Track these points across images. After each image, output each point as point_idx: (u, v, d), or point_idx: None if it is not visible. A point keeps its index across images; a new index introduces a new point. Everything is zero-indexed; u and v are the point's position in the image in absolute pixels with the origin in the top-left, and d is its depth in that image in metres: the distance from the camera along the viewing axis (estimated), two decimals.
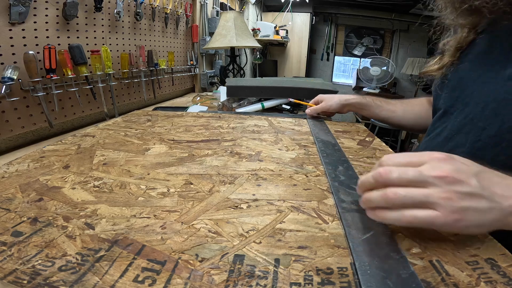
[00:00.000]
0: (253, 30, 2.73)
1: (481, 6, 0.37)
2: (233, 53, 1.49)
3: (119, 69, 0.99)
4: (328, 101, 0.72)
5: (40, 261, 0.22)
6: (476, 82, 0.41)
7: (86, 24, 0.83)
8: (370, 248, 0.24)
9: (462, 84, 0.43)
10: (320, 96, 0.75)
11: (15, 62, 0.65)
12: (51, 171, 0.39)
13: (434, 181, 0.23)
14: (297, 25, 3.33)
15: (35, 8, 0.68)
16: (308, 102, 0.78)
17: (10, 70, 0.62)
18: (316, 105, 0.74)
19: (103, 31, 0.90)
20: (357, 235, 0.25)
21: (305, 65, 3.44)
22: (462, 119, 0.42)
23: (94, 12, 0.85)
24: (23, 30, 0.66)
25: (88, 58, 0.83)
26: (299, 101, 0.83)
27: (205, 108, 1.03)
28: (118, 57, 0.98)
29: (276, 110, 0.96)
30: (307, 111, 0.75)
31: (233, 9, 2.16)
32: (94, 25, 0.86)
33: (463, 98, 0.42)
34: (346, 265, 0.23)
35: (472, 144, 0.39)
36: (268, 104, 0.92)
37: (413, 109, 0.65)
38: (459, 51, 0.46)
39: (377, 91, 3.30)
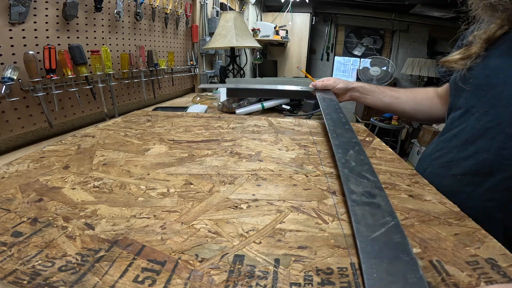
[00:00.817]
0: (253, 30, 2.73)
1: (496, 3, 0.36)
2: (233, 53, 1.49)
3: (119, 69, 0.99)
4: (336, 79, 0.71)
5: (40, 262, 0.22)
6: (507, 82, 0.38)
7: (86, 24, 0.83)
8: (379, 248, 0.22)
9: (489, 83, 0.40)
10: (327, 78, 0.74)
11: (15, 62, 0.65)
12: (51, 171, 0.39)
13: None
14: (297, 25, 3.33)
15: (35, 8, 0.68)
16: (313, 79, 0.77)
17: (10, 70, 0.62)
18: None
19: (103, 31, 0.90)
20: (367, 233, 0.24)
21: (305, 65, 3.44)
22: (487, 122, 0.39)
23: (94, 12, 0.85)
24: (23, 30, 0.66)
25: (88, 58, 0.83)
26: (307, 74, 0.82)
27: (205, 107, 1.03)
28: (118, 57, 0.98)
29: (276, 110, 0.96)
30: (313, 83, 0.73)
31: (233, 9, 2.16)
32: (94, 25, 0.87)
33: (489, 99, 0.40)
34: (346, 265, 0.23)
35: (497, 151, 0.37)
36: (268, 104, 0.92)
37: (416, 96, 0.64)
38: (488, 43, 0.42)
39: None
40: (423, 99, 0.62)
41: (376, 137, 0.59)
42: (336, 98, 0.66)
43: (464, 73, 0.44)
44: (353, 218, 0.26)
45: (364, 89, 0.68)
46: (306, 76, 0.82)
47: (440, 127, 2.71)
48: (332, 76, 3.84)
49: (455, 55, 0.47)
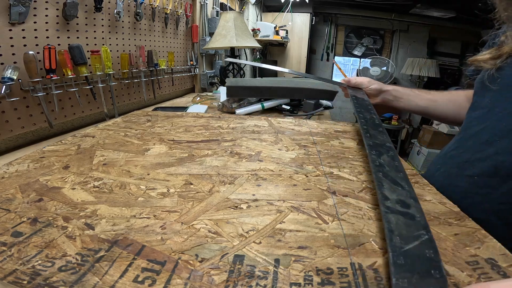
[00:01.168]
0: (253, 30, 2.73)
1: None
2: (233, 53, 1.49)
3: (119, 69, 0.99)
4: (370, 79, 0.67)
5: (40, 262, 0.22)
6: None
7: (86, 24, 0.83)
8: (411, 261, 0.21)
9: None
10: (359, 77, 0.71)
11: (15, 62, 0.65)
12: (51, 171, 0.39)
13: None
14: (297, 25, 3.33)
15: (35, 8, 0.68)
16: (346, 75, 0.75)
17: (10, 70, 0.62)
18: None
19: (103, 31, 0.90)
20: (400, 244, 0.23)
21: (305, 66, 3.43)
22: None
23: (94, 12, 0.85)
24: (23, 30, 0.66)
25: (88, 58, 0.83)
26: (342, 71, 0.78)
27: (205, 107, 1.03)
28: (118, 57, 0.98)
29: (276, 110, 0.96)
30: (346, 79, 0.70)
31: (233, 9, 2.16)
32: (94, 25, 0.87)
33: None
34: (346, 265, 0.23)
35: None
36: (268, 104, 0.92)
37: (456, 99, 0.59)
38: None
39: None
40: (464, 101, 0.58)
41: None
42: (368, 98, 0.63)
43: (492, 72, 0.43)
44: (386, 225, 0.24)
45: (398, 93, 0.65)
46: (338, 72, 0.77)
47: (440, 127, 2.71)
48: (332, 75, 3.80)
49: (485, 54, 0.46)
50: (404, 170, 0.33)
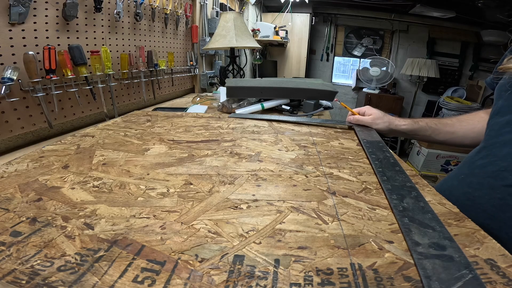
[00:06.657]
0: (253, 30, 2.73)
1: None
2: (232, 53, 1.49)
3: (119, 70, 0.99)
4: (376, 118, 0.64)
5: (39, 261, 0.22)
6: None
7: (86, 25, 0.83)
8: None
9: None
10: (368, 109, 0.67)
11: (15, 63, 0.64)
12: (50, 171, 0.39)
13: None
14: (296, 25, 3.33)
15: (35, 8, 0.68)
16: (352, 109, 0.70)
17: (10, 70, 0.62)
18: (360, 114, 0.67)
19: (103, 32, 0.90)
20: None
21: (305, 66, 3.44)
22: None
23: (94, 13, 0.85)
24: (23, 30, 0.66)
25: (88, 58, 0.83)
26: (345, 106, 0.72)
27: (205, 108, 1.03)
28: (118, 57, 0.98)
29: (276, 110, 0.96)
30: (350, 118, 0.68)
31: (233, 10, 2.16)
32: (94, 25, 0.86)
33: None
34: (346, 265, 0.23)
35: None
36: (267, 104, 0.92)
37: (474, 127, 0.57)
38: None
39: (376, 91, 3.30)
40: (484, 127, 0.54)
41: None
42: (377, 135, 0.60)
43: None
44: (421, 272, 0.22)
45: (411, 131, 0.62)
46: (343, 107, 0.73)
47: None
48: (332, 75, 3.77)
49: None
50: (432, 209, 0.31)
